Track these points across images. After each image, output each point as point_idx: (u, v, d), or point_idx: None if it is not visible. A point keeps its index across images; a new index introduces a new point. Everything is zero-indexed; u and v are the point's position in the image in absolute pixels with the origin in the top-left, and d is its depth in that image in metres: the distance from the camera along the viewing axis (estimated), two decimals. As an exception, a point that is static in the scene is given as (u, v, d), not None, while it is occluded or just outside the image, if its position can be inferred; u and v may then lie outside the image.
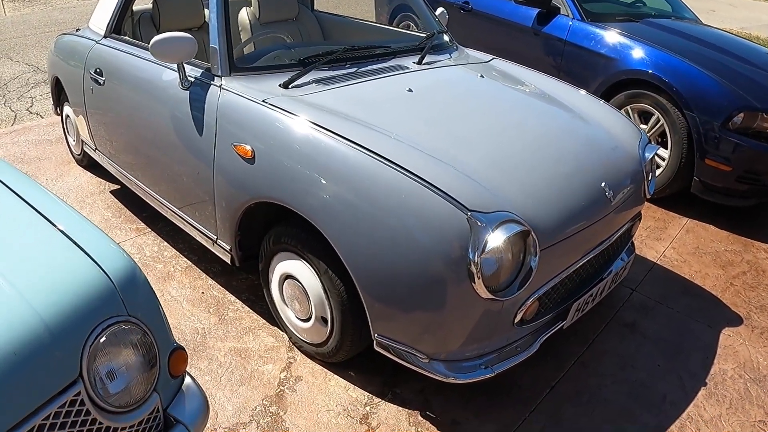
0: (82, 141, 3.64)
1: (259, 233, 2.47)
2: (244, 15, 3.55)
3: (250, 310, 2.64)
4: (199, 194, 2.52)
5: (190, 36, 2.36)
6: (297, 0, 3.83)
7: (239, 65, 2.45)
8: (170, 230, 3.22)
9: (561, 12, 4.48)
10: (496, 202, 1.88)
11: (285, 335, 2.51)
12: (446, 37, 3.20)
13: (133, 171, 3.02)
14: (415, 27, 5.64)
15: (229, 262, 2.49)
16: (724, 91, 3.50)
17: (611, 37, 4.07)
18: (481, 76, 2.81)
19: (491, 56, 3.26)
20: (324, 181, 1.97)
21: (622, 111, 3.95)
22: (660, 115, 3.76)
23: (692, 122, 3.57)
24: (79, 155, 3.91)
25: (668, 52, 3.77)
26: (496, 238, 1.78)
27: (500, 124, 2.32)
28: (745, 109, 3.43)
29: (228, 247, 2.47)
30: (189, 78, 2.51)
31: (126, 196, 3.51)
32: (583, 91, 2.96)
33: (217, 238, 2.52)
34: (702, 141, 3.55)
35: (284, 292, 2.37)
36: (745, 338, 2.75)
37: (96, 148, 3.38)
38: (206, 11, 3.45)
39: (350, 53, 2.65)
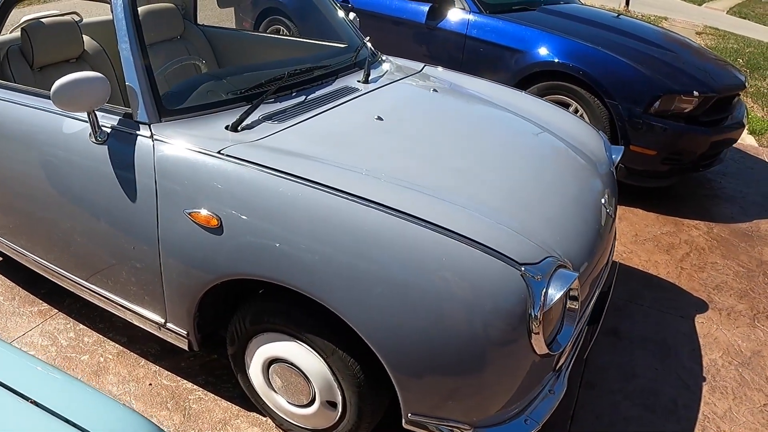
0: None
1: (222, 309, 2.05)
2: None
3: (216, 397, 2.21)
4: (136, 274, 2.03)
5: (100, 75, 1.87)
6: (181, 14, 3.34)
7: (168, 107, 1.99)
8: (81, 306, 2.64)
9: (456, 5, 4.33)
10: (536, 247, 1.65)
11: (270, 420, 2.12)
12: (370, 47, 2.91)
13: (29, 247, 2.42)
14: (286, 32, 5.25)
15: (185, 348, 2.04)
16: (643, 77, 3.56)
17: (516, 28, 4.00)
18: (435, 91, 2.57)
19: (419, 63, 3.02)
20: (324, 249, 1.62)
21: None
22: (578, 106, 3.75)
23: (615, 111, 3.60)
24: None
25: (580, 41, 3.77)
26: (555, 290, 1.56)
27: (489, 150, 2.10)
28: (665, 93, 3.50)
29: (184, 332, 2.02)
30: (104, 128, 2.01)
31: (14, 270, 2.85)
32: (526, 95, 2.83)
33: (165, 322, 2.06)
34: (626, 128, 3.59)
35: (271, 380, 1.97)
36: (717, 323, 2.79)
37: (-34, 220, 2.69)
38: (84, 38, 2.87)
39: (292, 78, 2.28)
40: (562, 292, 1.57)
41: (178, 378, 2.29)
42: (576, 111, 3.78)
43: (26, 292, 2.73)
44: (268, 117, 2.05)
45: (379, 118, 2.14)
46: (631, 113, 3.55)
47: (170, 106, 1.99)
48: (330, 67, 2.51)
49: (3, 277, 2.83)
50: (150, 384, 2.25)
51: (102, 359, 2.37)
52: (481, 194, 1.80)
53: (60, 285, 2.38)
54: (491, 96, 2.72)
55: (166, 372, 2.32)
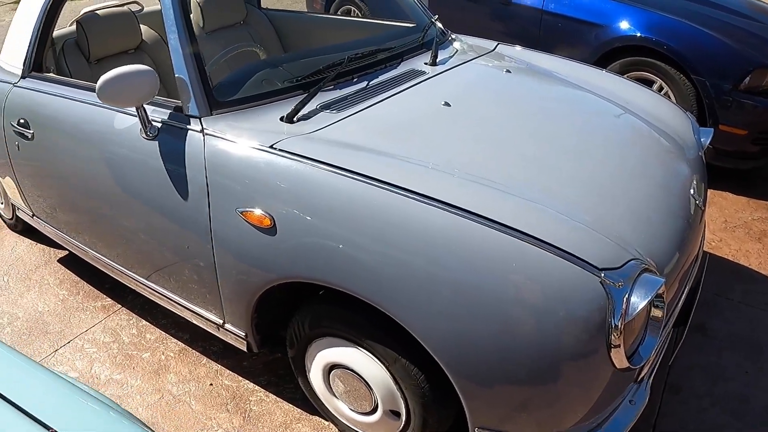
0: (13, 205, 2.95)
1: (282, 310, 1.96)
2: (186, 25, 2.95)
3: (278, 399, 2.14)
4: (192, 273, 1.96)
5: (147, 68, 1.79)
6: (244, 1, 3.26)
7: (220, 99, 1.89)
8: (144, 302, 2.63)
9: (530, -22, 4.07)
10: (618, 247, 1.46)
11: (332, 426, 2.03)
12: (439, 26, 2.74)
13: (91, 244, 2.40)
14: (358, 13, 5.11)
15: (244, 350, 1.96)
16: (733, 50, 3.23)
17: (595, 1, 3.71)
18: (508, 72, 2.37)
19: (492, 42, 2.82)
20: (388, 252, 1.48)
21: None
22: (663, 83, 3.45)
23: (702, 87, 3.28)
24: (11, 220, 3.19)
25: (663, 14, 3.45)
26: (639, 298, 1.38)
27: (565, 135, 1.90)
28: (756, 67, 3.17)
29: (242, 333, 1.94)
30: (154, 123, 1.94)
31: (80, 265, 2.87)
32: (607, 73, 2.59)
33: (223, 323, 1.99)
34: (714, 106, 3.27)
35: (333, 385, 1.88)
36: (821, 323, 2.50)
37: (34, 215, 2.71)
38: (143, 27, 2.83)
39: (353, 63, 2.15)
40: (647, 301, 1.38)
41: (240, 378, 2.23)
42: (660, 89, 3.48)
43: (90, 287, 2.75)
44: (327, 106, 1.92)
45: (447, 104, 1.97)
46: (719, 90, 3.23)
47: (221, 98, 1.90)
48: (395, 49, 2.34)
49: (69, 272, 2.86)
50: (211, 384, 2.20)
51: (163, 357, 2.34)
52: (556, 186, 1.62)
53: (121, 282, 2.36)
54: (569, 75, 2.49)
55: (228, 371, 2.26)
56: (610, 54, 3.60)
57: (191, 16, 2.95)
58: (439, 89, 2.09)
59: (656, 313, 1.55)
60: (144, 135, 1.93)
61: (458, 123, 1.87)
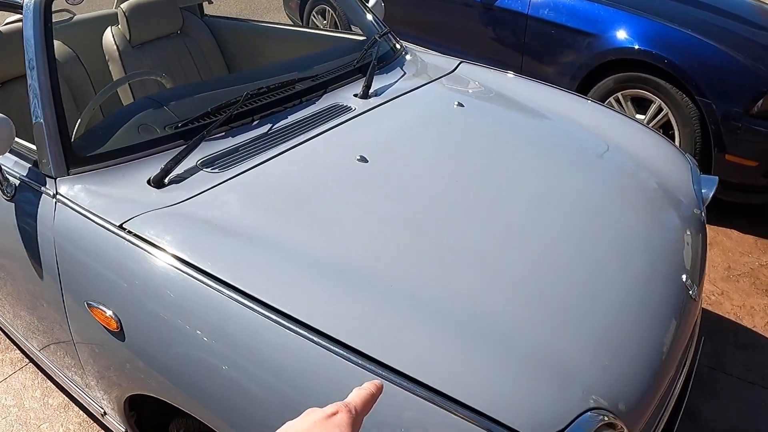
0: None
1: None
2: (109, 38, 2.59)
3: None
4: (66, 356, 1.63)
5: (3, 116, 1.44)
6: (180, 8, 2.88)
7: (80, 153, 1.53)
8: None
9: (514, -23, 3.63)
10: (567, 395, 1.06)
11: None
12: (392, 42, 2.33)
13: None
14: (334, 15, 4.69)
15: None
16: (744, 68, 2.77)
17: (588, 6, 3.26)
18: (459, 105, 1.96)
19: (454, 60, 2.41)
20: (234, 377, 1.12)
21: (611, 99, 3.20)
22: (663, 104, 3.01)
23: (707, 110, 2.84)
24: None
25: (665, 23, 3.00)
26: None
27: (517, 205, 1.49)
28: (769, 89, 2.72)
29: (122, 429, 1.60)
30: (11, 179, 1.59)
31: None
32: (590, 103, 2.18)
33: (104, 413, 1.65)
34: (721, 133, 2.83)
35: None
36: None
37: None
38: (57, 43, 2.47)
39: (258, 99, 1.76)
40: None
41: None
42: (659, 111, 3.04)
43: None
44: (209, 162, 1.55)
45: (363, 159, 1.58)
46: (727, 114, 2.79)
47: (83, 153, 1.53)
48: (319, 77, 1.96)
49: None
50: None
51: (62, 430, 2.01)
52: (485, 291, 1.22)
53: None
54: (542, 106, 2.08)
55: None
56: (602, 68, 3.16)
57: (117, 26, 2.63)
58: (359, 135, 1.70)
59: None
60: (2, 195, 1.59)
61: (369, 189, 1.48)
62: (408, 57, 2.36)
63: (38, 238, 1.49)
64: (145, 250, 1.28)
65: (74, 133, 1.77)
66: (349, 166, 1.55)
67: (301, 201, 1.41)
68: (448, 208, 1.44)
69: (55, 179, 1.49)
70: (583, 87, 3.30)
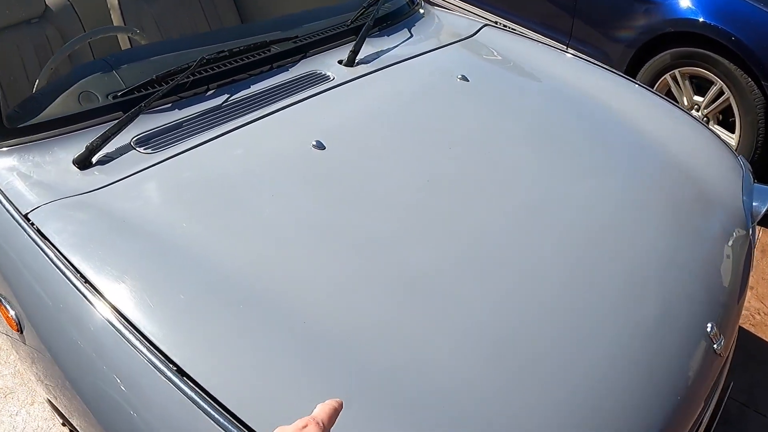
0: None
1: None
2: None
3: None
4: None
5: None
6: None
7: (12, 124, 1.35)
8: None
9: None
10: None
11: None
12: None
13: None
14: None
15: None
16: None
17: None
18: (463, 79, 1.67)
19: (477, 23, 2.09)
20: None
21: (667, 77, 2.80)
22: (724, 86, 2.60)
23: (776, 97, 2.43)
24: None
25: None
26: None
27: (500, 230, 1.20)
28: None
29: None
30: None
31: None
32: (629, 82, 1.84)
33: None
34: (790, 125, 2.42)
35: None
36: None
37: None
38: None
39: (221, 62, 1.53)
40: None
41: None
42: (720, 94, 2.63)
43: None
44: (145, 140, 1.34)
45: (319, 146, 1.34)
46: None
47: (14, 124, 1.35)
48: (300, 39, 1.70)
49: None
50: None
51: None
52: (425, 354, 0.96)
53: None
54: (568, 84, 1.75)
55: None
56: (659, 40, 2.76)
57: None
58: (325, 114, 1.45)
59: None
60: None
61: (316, 187, 1.24)
62: (423, 16, 2.05)
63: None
64: (40, 247, 1.10)
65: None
66: (301, 154, 1.31)
67: (230, 198, 1.19)
68: (406, 218, 1.19)
69: (-17, 151, 1.32)
70: (637, 60, 2.90)
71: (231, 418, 0.85)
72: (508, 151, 1.42)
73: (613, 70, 1.90)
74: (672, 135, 1.63)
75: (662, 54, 2.77)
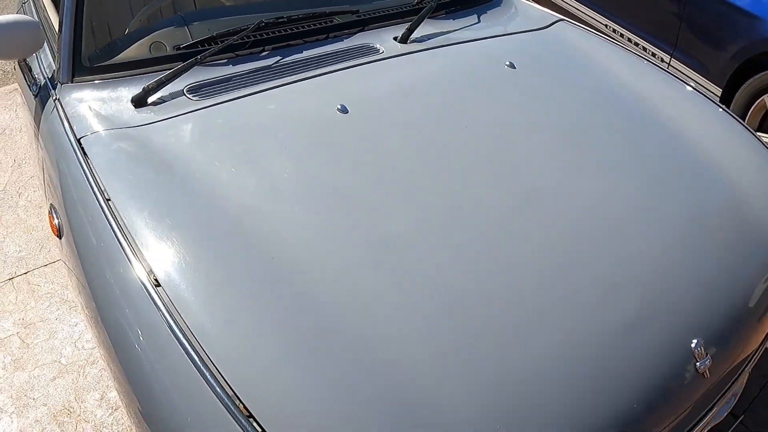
0: None
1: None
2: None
3: None
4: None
5: (29, 19, 1.50)
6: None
7: (91, 63, 1.54)
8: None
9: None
10: None
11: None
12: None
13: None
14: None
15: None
16: None
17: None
18: (510, 66, 1.68)
19: (553, 16, 2.08)
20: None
21: (765, 98, 2.61)
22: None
23: None
24: None
25: None
26: None
27: (499, 224, 1.20)
28: None
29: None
30: (39, 78, 1.67)
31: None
32: (694, 93, 1.74)
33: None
34: None
35: None
36: None
37: None
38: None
39: (281, 27, 1.65)
40: None
41: None
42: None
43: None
44: (196, 88, 1.48)
45: (343, 110, 1.41)
46: None
47: (93, 62, 1.55)
48: (362, 14, 1.78)
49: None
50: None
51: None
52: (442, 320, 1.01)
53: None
54: (623, 83, 1.70)
55: None
56: (759, 60, 2.57)
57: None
58: (360, 83, 1.52)
59: None
60: (29, 90, 1.68)
61: (328, 144, 1.32)
62: (500, 4, 2.06)
63: (38, 135, 1.55)
64: (83, 167, 1.26)
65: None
66: (323, 115, 1.39)
67: (249, 145, 1.30)
68: (402, 185, 1.24)
69: (61, 84, 1.52)
70: (738, 77, 2.73)
71: (232, 395, 0.91)
72: (526, 137, 1.42)
73: (678, 77, 1.81)
74: (721, 148, 1.53)
75: (761, 75, 2.58)
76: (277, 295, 1.00)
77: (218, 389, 0.90)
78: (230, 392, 0.90)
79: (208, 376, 0.91)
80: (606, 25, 3.46)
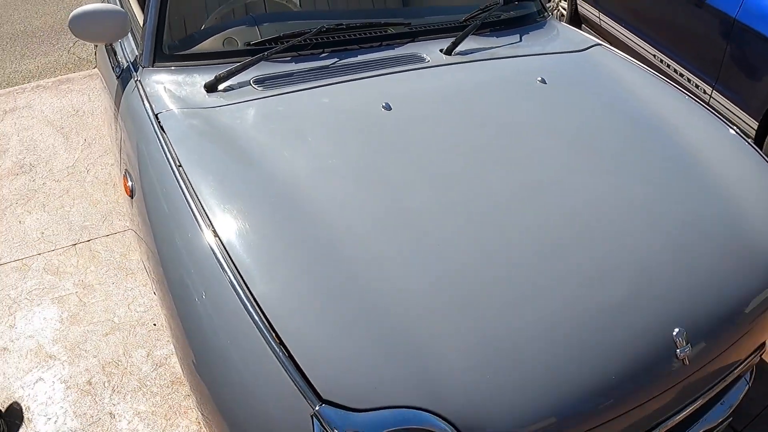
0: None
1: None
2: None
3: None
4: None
5: (118, 10, 1.72)
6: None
7: (170, 51, 1.75)
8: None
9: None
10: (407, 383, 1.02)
11: None
12: (538, 6, 2.20)
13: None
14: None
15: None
16: None
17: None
18: (541, 81, 1.82)
19: (592, 39, 2.20)
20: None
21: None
22: None
23: None
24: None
25: None
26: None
27: (502, 211, 1.35)
28: None
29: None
30: (122, 61, 1.89)
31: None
32: (722, 125, 1.81)
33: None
34: None
35: None
36: None
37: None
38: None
39: (340, 33, 1.83)
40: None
41: None
42: None
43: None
44: (262, 80, 1.67)
45: (387, 107, 1.58)
46: None
47: (173, 50, 1.75)
48: (414, 27, 1.95)
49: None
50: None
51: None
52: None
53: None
54: (651, 109, 1.80)
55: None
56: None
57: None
58: (405, 85, 1.69)
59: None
60: (113, 71, 1.90)
61: (370, 134, 1.49)
62: (543, 26, 2.20)
63: (118, 111, 1.76)
64: (158, 138, 1.45)
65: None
66: (369, 109, 1.57)
67: (300, 130, 1.49)
68: (429, 176, 1.40)
69: (143, 67, 1.73)
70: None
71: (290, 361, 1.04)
72: (541, 140, 1.56)
73: (701, 103, 1.90)
74: (725, 162, 1.62)
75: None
76: (327, 262, 1.17)
77: (274, 345, 1.05)
78: (283, 349, 1.04)
79: (268, 337, 1.06)
80: (654, 56, 3.56)
